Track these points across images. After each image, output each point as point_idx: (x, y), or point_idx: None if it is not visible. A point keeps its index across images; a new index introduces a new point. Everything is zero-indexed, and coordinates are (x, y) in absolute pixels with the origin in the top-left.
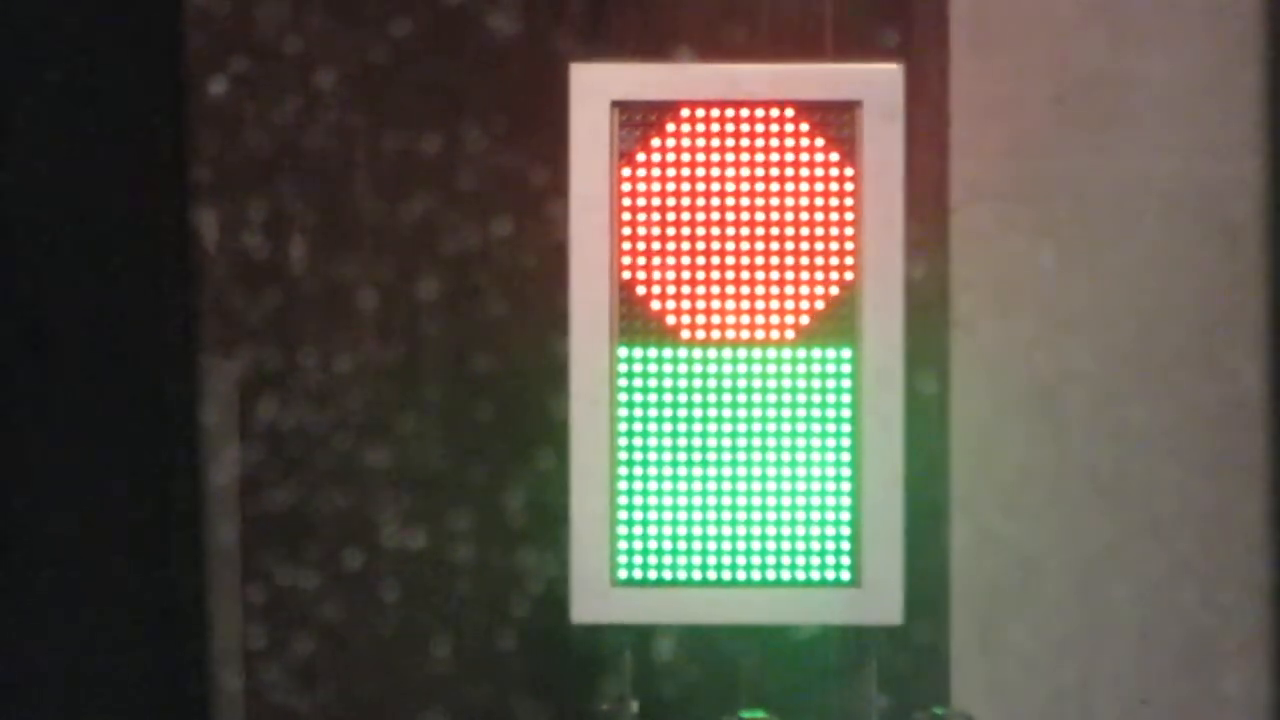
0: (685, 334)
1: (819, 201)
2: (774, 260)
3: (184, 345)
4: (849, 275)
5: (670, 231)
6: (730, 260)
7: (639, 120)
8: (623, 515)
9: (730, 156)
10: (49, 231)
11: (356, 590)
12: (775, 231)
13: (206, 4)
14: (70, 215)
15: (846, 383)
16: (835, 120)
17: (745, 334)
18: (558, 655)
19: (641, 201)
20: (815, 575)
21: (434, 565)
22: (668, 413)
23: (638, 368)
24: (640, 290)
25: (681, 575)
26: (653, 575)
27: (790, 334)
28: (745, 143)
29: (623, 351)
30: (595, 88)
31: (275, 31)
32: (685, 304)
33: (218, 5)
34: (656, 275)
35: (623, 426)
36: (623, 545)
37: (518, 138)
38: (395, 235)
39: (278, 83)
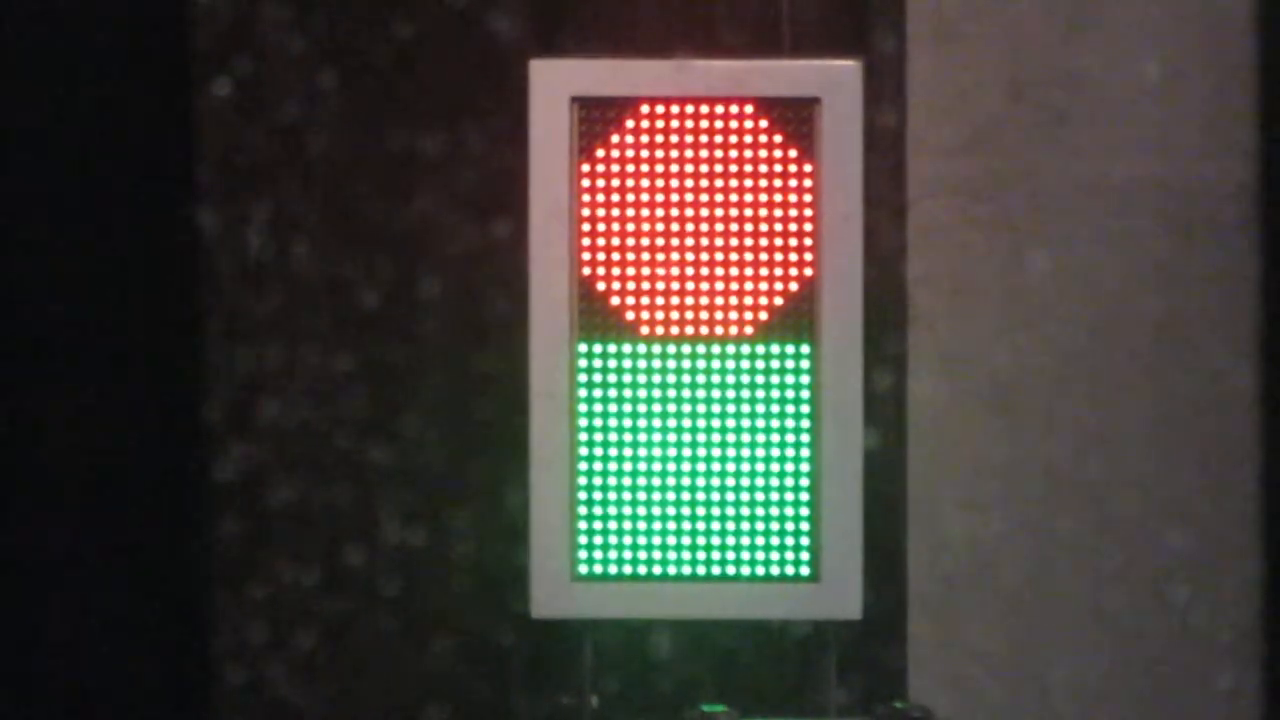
0: (645, 329)
1: (778, 198)
2: (733, 256)
3: (188, 342)
4: (808, 271)
5: (630, 227)
6: (690, 256)
7: (599, 116)
8: (583, 510)
9: (690, 153)
10: (54, 231)
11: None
12: (735, 227)
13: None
14: (75, 214)
15: (805, 378)
16: (795, 116)
17: (705, 330)
18: (517, 650)
19: (601, 197)
20: (775, 570)
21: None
22: (627, 408)
23: (597, 363)
24: (600, 286)
25: (642, 570)
26: (613, 570)
27: (750, 330)
28: (705, 139)
29: (582, 347)
30: (555, 84)
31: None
32: (645, 300)
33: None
34: (616, 271)
35: (583, 422)
36: (583, 540)
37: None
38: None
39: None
